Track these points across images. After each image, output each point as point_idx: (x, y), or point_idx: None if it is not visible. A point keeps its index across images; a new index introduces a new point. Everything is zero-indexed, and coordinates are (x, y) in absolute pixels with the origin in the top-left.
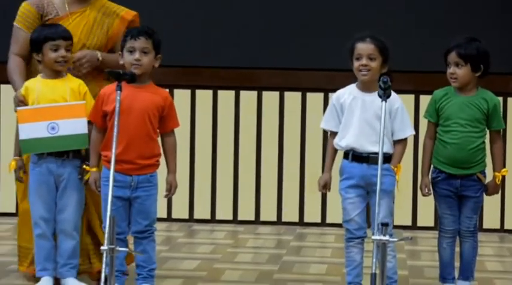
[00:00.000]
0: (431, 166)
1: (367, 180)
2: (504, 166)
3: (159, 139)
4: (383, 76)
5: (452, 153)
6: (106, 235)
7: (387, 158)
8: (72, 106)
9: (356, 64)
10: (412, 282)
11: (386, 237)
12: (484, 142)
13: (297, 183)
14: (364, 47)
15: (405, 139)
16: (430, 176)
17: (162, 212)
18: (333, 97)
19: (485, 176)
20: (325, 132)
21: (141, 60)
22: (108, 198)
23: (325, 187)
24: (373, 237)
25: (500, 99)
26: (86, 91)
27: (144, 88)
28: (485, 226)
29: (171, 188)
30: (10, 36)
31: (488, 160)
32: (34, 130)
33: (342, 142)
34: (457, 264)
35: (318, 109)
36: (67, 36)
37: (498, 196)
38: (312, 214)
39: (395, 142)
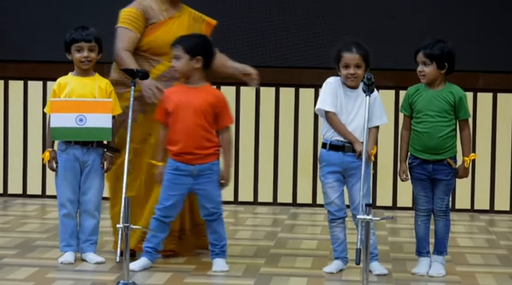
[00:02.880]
0: (408, 153)
1: (344, 166)
2: (473, 152)
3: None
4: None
5: (424, 141)
6: (122, 215)
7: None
8: (100, 102)
9: (344, 72)
10: (392, 256)
11: (370, 217)
12: (453, 131)
13: (291, 168)
14: (352, 57)
15: (378, 126)
16: (407, 163)
17: None
18: (332, 82)
19: (455, 162)
20: (315, 121)
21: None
22: (166, 183)
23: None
24: (358, 216)
25: (471, 93)
26: (112, 90)
27: (199, 88)
28: (457, 206)
29: (223, 179)
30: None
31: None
32: (64, 120)
33: (332, 132)
34: (432, 240)
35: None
36: (88, 39)
37: (469, 179)
38: (304, 196)
39: (371, 129)
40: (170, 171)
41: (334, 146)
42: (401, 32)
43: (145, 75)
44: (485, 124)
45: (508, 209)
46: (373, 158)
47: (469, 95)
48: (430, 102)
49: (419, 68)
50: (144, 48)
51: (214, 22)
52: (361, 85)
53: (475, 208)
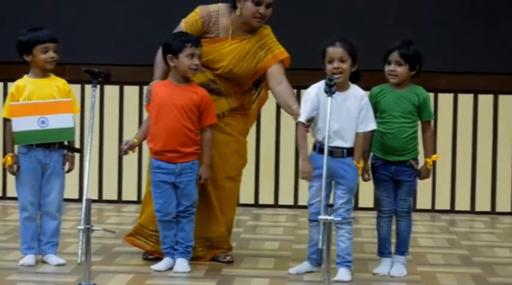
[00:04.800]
0: (371, 153)
1: (331, 171)
2: (435, 153)
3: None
4: (329, 75)
5: (388, 142)
6: (82, 216)
7: (350, 151)
8: (61, 102)
9: (329, 67)
10: (354, 257)
11: (331, 217)
12: (416, 132)
13: (253, 169)
14: (335, 51)
15: (365, 133)
16: (369, 163)
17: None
18: (312, 91)
19: (417, 163)
20: (277, 122)
21: (199, 65)
22: (152, 183)
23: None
24: (320, 216)
25: (432, 94)
26: (70, 90)
27: (185, 87)
28: (418, 207)
29: (200, 178)
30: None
31: (421, 148)
32: (26, 123)
33: (319, 135)
34: (393, 240)
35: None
36: (54, 40)
37: (430, 180)
38: (266, 197)
39: (359, 135)
40: (153, 170)
41: (322, 150)
42: (358, 31)
43: (107, 76)
44: (446, 125)
45: (468, 209)
46: (360, 171)
47: (430, 96)
48: (395, 103)
49: (391, 68)
50: None
51: (282, 56)
52: (351, 88)
53: (436, 208)
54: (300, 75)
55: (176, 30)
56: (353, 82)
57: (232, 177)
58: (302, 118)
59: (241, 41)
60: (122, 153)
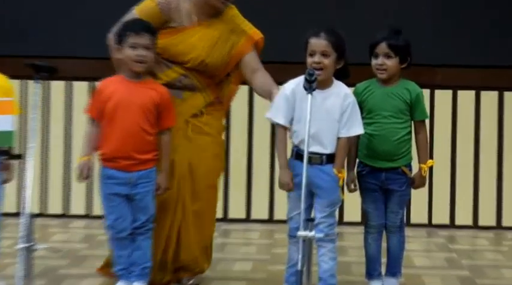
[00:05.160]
0: (357, 160)
1: (309, 180)
2: (431, 158)
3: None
4: (308, 69)
5: (376, 145)
6: (22, 233)
7: (331, 158)
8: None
9: (309, 60)
10: (339, 279)
11: (312, 233)
12: (409, 134)
13: (222, 179)
14: (318, 43)
15: (348, 138)
16: (355, 171)
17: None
18: (288, 87)
19: (410, 170)
20: (249, 133)
21: (146, 56)
22: (103, 196)
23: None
24: (298, 233)
25: (427, 91)
26: (11, 87)
27: (142, 83)
28: (412, 221)
29: (159, 188)
30: None
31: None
32: None
33: (295, 138)
34: (384, 260)
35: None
36: None
37: (426, 190)
38: (237, 210)
39: (341, 140)
40: (104, 180)
41: (299, 155)
42: (358, 31)
43: (52, 70)
44: (443, 125)
45: (470, 223)
46: (340, 182)
47: (426, 93)
48: (384, 101)
49: (379, 61)
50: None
51: (257, 37)
52: (334, 85)
53: (433, 222)
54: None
55: (126, 19)
56: (340, 80)
57: (214, 185)
58: (281, 120)
59: (209, 26)
60: (82, 180)
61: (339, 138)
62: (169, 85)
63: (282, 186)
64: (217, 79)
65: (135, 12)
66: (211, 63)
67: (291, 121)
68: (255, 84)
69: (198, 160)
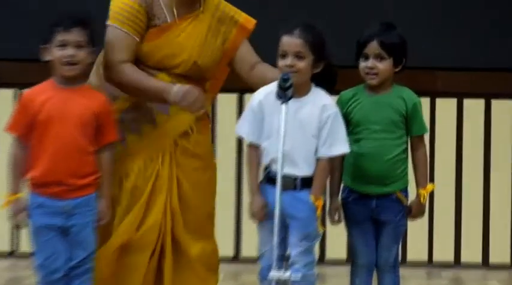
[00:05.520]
0: (342, 184)
1: (281, 209)
2: (431, 181)
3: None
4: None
5: (365, 166)
6: None
7: (307, 181)
8: None
9: (280, 63)
10: None
11: (287, 274)
12: (404, 152)
13: None
14: (291, 42)
15: (330, 159)
16: (339, 199)
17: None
18: (255, 98)
19: (407, 196)
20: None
21: (77, 56)
22: (32, 229)
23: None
24: (271, 273)
25: (427, 99)
26: None
27: (78, 90)
28: (409, 258)
29: (102, 219)
30: None
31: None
32: None
33: (265, 157)
34: None
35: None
36: None
37: (425, 220)
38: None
39: (318, 161)
40: (33, 211)
41: (270, 179)
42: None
43: None
44: (447, 141)
45: (479, 261)
46: (318, 211)
47: (425, 101)
48: (373, 112)
49: (369, 64)
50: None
51: (251, 25)
52: (311, 93)
53: (435, 260)
54: None
55: (114, 45)
56: (324, 88)
57: (212, 214)
58: (250, 137)
59: (193, 19)
60: (21, 227)
61: (318, 159)
62: None
63: (253, 215)
64: (205, 84)
65: (119, 26)
66: (204, 64)
67: (261, 138)
68: (256, 82)
69: (192, 190)
